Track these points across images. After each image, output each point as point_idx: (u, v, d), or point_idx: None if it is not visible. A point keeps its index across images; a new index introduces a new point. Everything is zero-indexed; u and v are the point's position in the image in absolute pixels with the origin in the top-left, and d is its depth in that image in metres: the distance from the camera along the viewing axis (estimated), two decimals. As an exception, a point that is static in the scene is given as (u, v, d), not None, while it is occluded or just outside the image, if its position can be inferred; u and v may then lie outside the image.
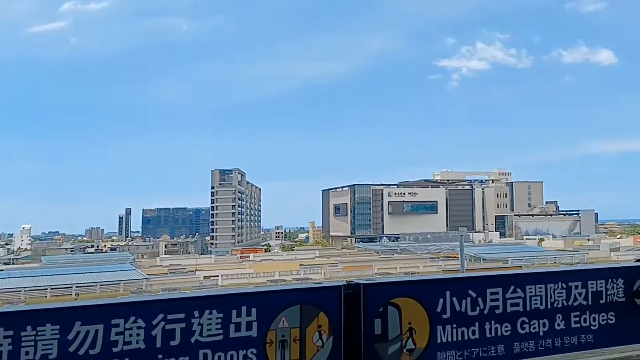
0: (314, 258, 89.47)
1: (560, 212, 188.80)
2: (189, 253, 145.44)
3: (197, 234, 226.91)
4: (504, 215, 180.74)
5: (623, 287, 2.61)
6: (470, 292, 2.41)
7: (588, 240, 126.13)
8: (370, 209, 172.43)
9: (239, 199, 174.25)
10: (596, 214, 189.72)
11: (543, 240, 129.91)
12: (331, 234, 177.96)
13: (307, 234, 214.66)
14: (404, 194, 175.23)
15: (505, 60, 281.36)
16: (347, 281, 2.33)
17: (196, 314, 2.17)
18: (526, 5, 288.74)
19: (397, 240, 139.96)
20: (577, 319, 2.52)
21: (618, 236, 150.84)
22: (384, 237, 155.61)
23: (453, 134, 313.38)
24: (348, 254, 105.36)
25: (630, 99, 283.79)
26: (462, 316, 2.39)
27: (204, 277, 63.21)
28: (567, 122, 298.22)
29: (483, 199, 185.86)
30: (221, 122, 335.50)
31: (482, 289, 2.43)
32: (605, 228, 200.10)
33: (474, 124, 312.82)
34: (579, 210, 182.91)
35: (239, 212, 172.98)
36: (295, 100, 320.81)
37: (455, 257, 73.27)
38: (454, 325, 2.37)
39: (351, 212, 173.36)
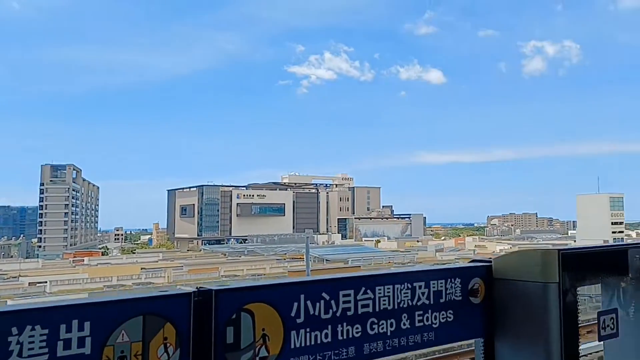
0: (157, 261, 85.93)
1: (395, 216, 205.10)
2: (12, 257, 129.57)
3: (22, 235, 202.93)
4: (345, 218, 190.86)
5: (460, 286, 2.79)
6: (324, 294, 2.39)
7: (417, 241, 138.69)
8: (218, 211, 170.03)
9: (73, 197, 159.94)
10: (425, 217, 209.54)
11: (379, 241, 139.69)
12: (177, 236, 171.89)
13: (150, 236, 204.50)
14: (253, 195, 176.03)
15: (350, 72, 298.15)
16: (197, 287, 2.14)
17: (14, 330, 1.81)
18: (369, 23, 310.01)
19: (245, 242, 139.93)
20: (421, 317, 2.64)
21: (442, 238, 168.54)
22: (232, 239, 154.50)
23: (301, 139, 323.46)
24: (194, 256, 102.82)
25: (456, 116, 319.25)
26: (315, 319, 2.35)
27: (29, 283, 57.21)
28: (403, 133, 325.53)
29: (327, 202, 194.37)
30: (54, 113, 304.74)
31: (335, 291, 2.42)
32: (432, 230, 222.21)
33: (320, 130, 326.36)
34: (410, 215, 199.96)
35: (72, 212, 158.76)
36: (139, 96, 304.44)
37: (301, 258, 75.46)
38: (308, 330, 2.32)
39: (198, 214, 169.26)
